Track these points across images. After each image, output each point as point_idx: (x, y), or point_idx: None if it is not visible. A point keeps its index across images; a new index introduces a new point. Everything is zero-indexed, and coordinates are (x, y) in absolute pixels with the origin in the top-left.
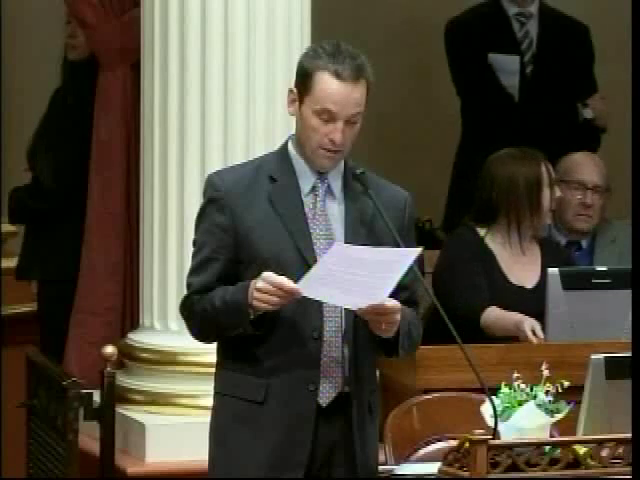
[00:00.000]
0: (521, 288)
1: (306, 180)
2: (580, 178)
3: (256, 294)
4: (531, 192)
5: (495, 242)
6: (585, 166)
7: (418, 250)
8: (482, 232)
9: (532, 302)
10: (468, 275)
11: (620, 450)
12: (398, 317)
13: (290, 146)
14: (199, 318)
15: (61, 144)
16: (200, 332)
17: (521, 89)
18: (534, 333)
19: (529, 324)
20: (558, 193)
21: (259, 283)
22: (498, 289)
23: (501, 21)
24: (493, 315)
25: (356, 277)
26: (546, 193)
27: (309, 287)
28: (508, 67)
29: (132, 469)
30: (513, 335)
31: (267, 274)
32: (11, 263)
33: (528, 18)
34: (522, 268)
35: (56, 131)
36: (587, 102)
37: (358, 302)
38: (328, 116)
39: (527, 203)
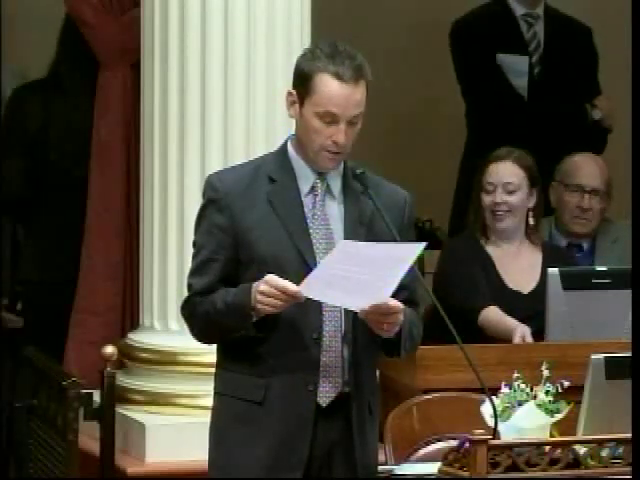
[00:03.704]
0: (517, 293)
1: (305, 180)
2: (578, 181)
3: (259, 297)
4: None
5: (490, 246)
6: (585, 169)
7: (421, 245)
8: (483, 240)
9: (527, 307)
10: (468, 276)
11: (620, 450)
12: (401, 317)
13: (289, 146)
14: (201, 320)
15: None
16: (202, 334)
17: (529, 90)
18: (524, 340)
19: (520, 332)
20: (498, 199)
21: (262, 286)
22: (496, 294)
23: (508, 22)
24: (491, 316)
25: (358, 276)
26: (485, 198)
27: (312, 288)
28: (517, 68)
29: (132, 469)
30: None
31: (270, 277)
32: None
33: (536, 19)
34: (521, 273)
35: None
36: (595, 103)
37: (360, 303)
38: (330, 118)
39: (472, 205)
